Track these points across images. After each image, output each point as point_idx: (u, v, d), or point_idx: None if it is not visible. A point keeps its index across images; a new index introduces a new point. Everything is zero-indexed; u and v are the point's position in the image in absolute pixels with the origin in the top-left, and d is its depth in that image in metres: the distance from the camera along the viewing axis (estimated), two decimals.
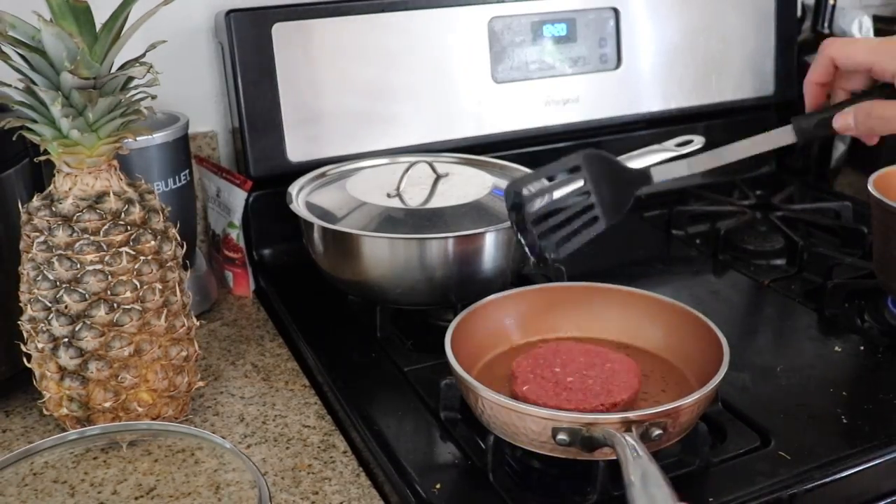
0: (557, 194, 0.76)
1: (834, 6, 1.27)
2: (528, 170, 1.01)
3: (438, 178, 0.96)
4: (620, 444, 0.56)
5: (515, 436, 0.65)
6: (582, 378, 0.70)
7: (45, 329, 0.69)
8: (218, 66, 1.06)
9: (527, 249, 0.76)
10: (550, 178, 0.77)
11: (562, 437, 0.62)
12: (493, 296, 0.80)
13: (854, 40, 0.69)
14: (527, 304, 0.81)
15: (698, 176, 1.27)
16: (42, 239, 0.68)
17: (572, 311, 0.81)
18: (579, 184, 0.76)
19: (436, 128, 1.08)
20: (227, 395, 0.82)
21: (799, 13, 1.30)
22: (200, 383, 0.78)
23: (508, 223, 0.86)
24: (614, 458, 0.63)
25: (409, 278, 0.86)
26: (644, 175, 0.77)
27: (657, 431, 0.61)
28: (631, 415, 0.61)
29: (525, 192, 0.76)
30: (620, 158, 1.00)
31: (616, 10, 1.14)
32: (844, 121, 0.69)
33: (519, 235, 0.76)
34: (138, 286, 0.69)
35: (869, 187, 0.90)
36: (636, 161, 1.00)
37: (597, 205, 0.76)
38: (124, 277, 0.68)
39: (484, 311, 0.78)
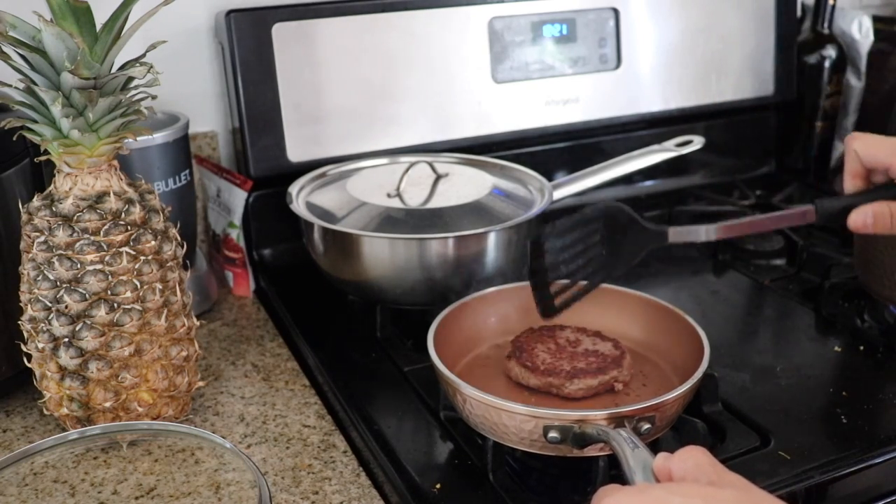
0: (573, 248, 0.77)
1: (834, 6, 1.27)
2: (528, 170, 1.01)
3: (438, 178, 0.96)
4: (617, 440, 0.56)
5: (505, 435, 0.65)
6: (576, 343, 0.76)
7: (45, 329, 0.69)
8: (218, 66, 1.06)
9: (537, 305, 0.77)
10: (573, 228, 0.77)
11: (553, 434, 0.62)
12: (475, 294, 0.81)
13: (878, 139, 0.70)
14: (509, 301, 0.82)
15: (697, 176, 1.28)
16: (42, 239, 0.68)
17: None
18: (595, 236, 0.76)
19: (436, 128, 1.08)
20: (227, 395, 0.82)
21: (799, 13, 1.30)
22: (201, 383, 0.78)
23: (508, 223, 0.87)
24: (604, 453, 0.64)
25: (409, 278, 0.86)
26: (661, 234, 0.77)
27: (646, 425, 0.62)
28: (620, 410, 0.62)
29: (547, 244, 0.76)
30: (619, 158, 1.01)
31: (616, 11, 1.14)
32: (862, 219, 0.70)
33: (533, 291, 0.77)
34: (138, 286, 0.69)
35: None
36: (637, 161, 1.00)
37: (605, 257, 0.77)
38: (124, 277, 0.68)
39: (467, 309, 0.79)
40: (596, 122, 1.17)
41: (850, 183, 0.73)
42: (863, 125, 1.33)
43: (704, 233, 0.76)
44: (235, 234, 1.02)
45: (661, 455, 0.48)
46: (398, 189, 0.93)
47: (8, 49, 0.64)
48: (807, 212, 0.73)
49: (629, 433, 0.57)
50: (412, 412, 0.77)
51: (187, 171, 0.94)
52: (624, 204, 0.77)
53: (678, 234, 0.77)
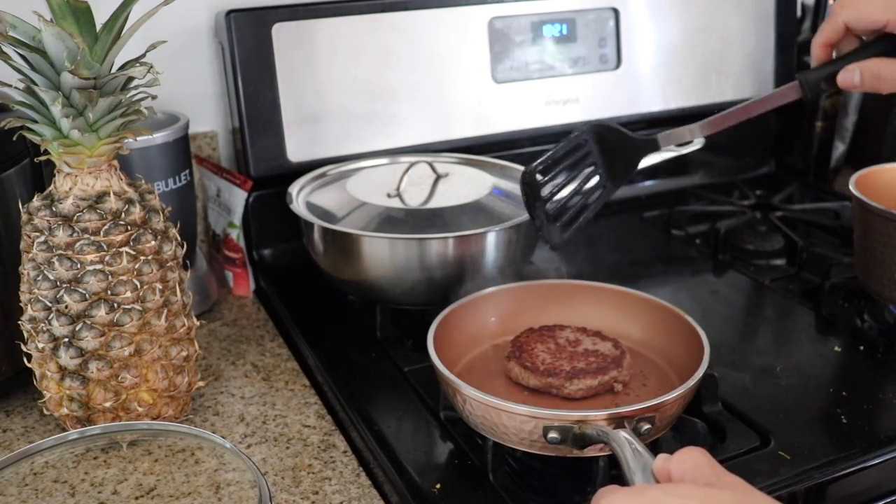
0: (566, 173, 0.78)
1: None
2: None
3: (438, 178, 0.96)
4: (617, 441, 0.56)
5: (505, 436, 0.65)
6: (576, 343, 0.77)
7: (45, 329, 0.69)
8: (218, 66, 1.06)
9: (543, 238, 0.80)
10: (562, 157, 0.79)
11: (553, 435, 0.62)
12: (475, 294, 0.81)
13: (867, 1, 0.69)
14: (509, 301, 0.82)
15: (697, 176, 1.28)
16: (42, 239, 0.68)
17: (553, 308, 0.82)
18: (587, 158, 0.78)
19: (436, 128, 1.08)
20: (227, 395, 0.82)
21: (799, 13, 1.30)
22: (200, 383, 0.78)
23: (508, 223, 0.87)
24: (604, 454, 0.64)
25: (409, 278, 0.86)
26: (651, 142, 0.79)
27: (646, 426, 0.62)
28: (620, 410, 0.62)
29: (538, 176, 0.78)
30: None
31: (616, 11, 1.14)
32: (850, 77, 0.69)
33: (533, 219, 0.79)
34: (138, 286, 0.69)
35: (850, 186, 0.90)
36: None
37: (603, 174, 0.78)
38: (124, 277, 0.68)
39: (467, 310, 0.80)
40: (596, 122, 1.17)
41: (820, 51, 0.72)
42: (863, 125, 1.33)
43: (689, 132, 0.78)
44: (235, 234, 1.02)
45: (661, 456, 0.48)
46: (398, 189, 0.93)
47: (8, 49, 0.64)
48: (791, 87, 0.73)
49: (629, 434, 0.57)
50: (412, 412, 0.77)
51: (187, 171, 0.94)
52: (608, 122, 0.79)
53: (667, 138, 0.79)
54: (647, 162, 0.81)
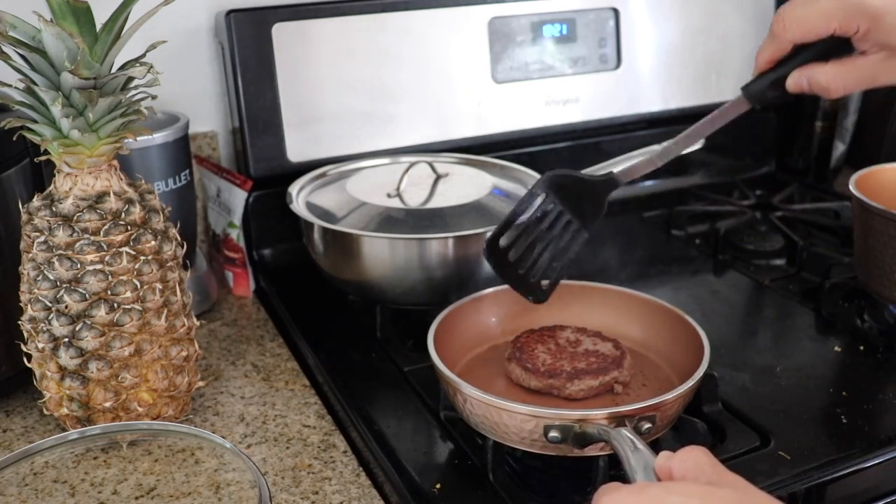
0: (532, 228, 0.78)
1: None
2: (528, 170, 1.01)
3: (438, 178, 0.96)
4: (618, 440, 0.56)
5: (506, 435, 0.65)
6: (576, 343, 0.77)
7: (45, 329, 0.69)
8: (218, 66, 1.06)
9: (526, 297, 0.79)
10: (521, 216, 0.78)
11: (554, 434, 0.62)
12: (475, 294, 0.81)
13: (807, 14, 0.67)
14: (509, 301, 0.82)
15: (697, 176, 1.28)
16: (42, 239, 0.68)
17: (553, 308, 0.82)
18: (551, 211, 0.78)
19: (436, 128, 1.08)
20: (227, 395, 0.82)
21: None
22: (200, 383, 0.78)
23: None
24: (604, 453, 0.64)
25: (409, 278, 0.86)
26: (610, 181, 0.78)
27: (647, 425, 0.62)
28: (621, 409, 0.62)
29: (502, 241, 0.77)
30: (619, 158, 1.01)
31: (616, 11, 1.14)
32: (798, 83, 0.68)
33: (509, 285, 0.79)
34: (138, 286, 0.69)
35: (850, 186, 0.90)
36: (628, 162, 1.00)
37: (573, 219, 0.78)
38: (124, 277, 0.68)
39: (467, 310, 0.80)
40: (596, 122, 1.17)
41: (765, 66, 0.71)
42: (863, 125, 1.33)
43: (648, 163, 0.77)
44: (235, 234, 1.02)
45: (663, 454, 0.49)
46: (398, 189, 0.93)
47: (8, 49, 0.64)
48: (737, 101, 0.72)
49: (630, 433, 0.57)
50: (412, 412, 0.77)
51: (187, 171, 0.94)
52: (563, 169, 0.78)
53: (625, 173, 0.78)
54: (613, 196, 0.80)
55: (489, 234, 0.77)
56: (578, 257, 0.79)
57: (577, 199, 0.78)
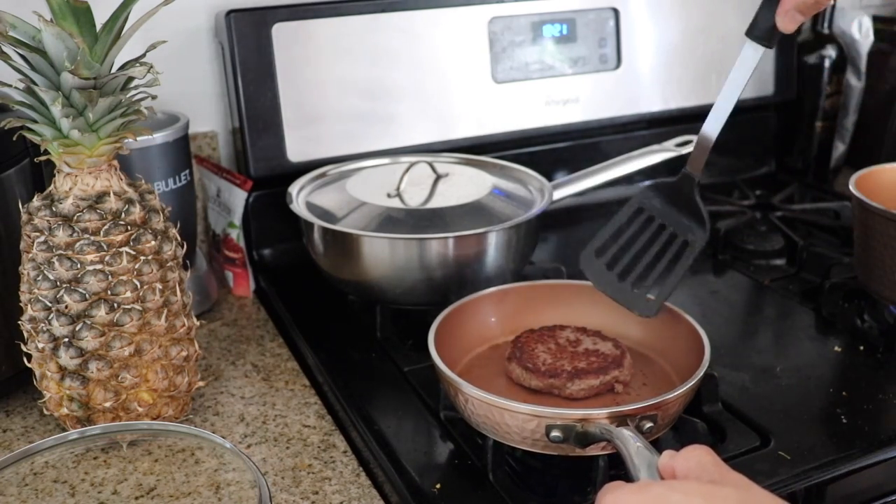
0: (633, 241, 0.78)
1: (834, 6, 1.27)
2: (528, 170, 1.01)
3: (438, 178, 0.96)
4: (621, 438, 0.56)
5: (507, 435, 0.65)
6: (577, 343, 0.77)
7: (45, 329, 0.69)
8: (218, 66, 1.06)
9: (623, 305, 0.78)
10: (619, 231, 0.79)
11: (555, 433, 0.62)
12: (475, 294, 0.81)
13: None
14: (509, 301, 0.82)
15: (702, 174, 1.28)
16: (42, 239, 0.68)
17: (553, 308, 0.82)
18: (653, 221, 0.78)
19: (436, 128, 1.08)
20: (227, 395, 0.82)
21: None
22: (200, 383, 0.78)
23: (508, 223, 0.86)
24: (605, 452, 0.63)
25: (409, 278, 0.86)
26: (685, 177, 0.78)
27: (648, 424, 0.62)
28: (623, 409, 0.62)
29: (597, 253, 0.78)
30: (619, 158, 1.01)
31: (616, 11, 1.14)
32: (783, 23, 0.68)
33: (611, 297, 0.78)
34: (138, 286, 0.69)
35: (850, 186, 0.90)
36: (637, 161, 1.00)
37: (677, 232, 0.78)
38: (124, 277, 0.68)
39: (467, 310, 0.79)
40: (596, 122, 1.17)
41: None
42: (863, 125, 1.33)
43: (701, 149, 0.76)
44: (235, 234, 1.02)
45: (666, 453, 0.49)
46: (398, 189, 0.93)
47: (8, 49, 0.64)
48: (749, 49, 0.73)
49: (633, 432, 0.57)
50: (412, 412, 0.77)
51: (187, 171, 0.94)
52: (649, 190, 0.78)
53: (693, 167, 0.77)
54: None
55: (585, 248, 0.78)
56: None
57: (674, 208, 0.78)
